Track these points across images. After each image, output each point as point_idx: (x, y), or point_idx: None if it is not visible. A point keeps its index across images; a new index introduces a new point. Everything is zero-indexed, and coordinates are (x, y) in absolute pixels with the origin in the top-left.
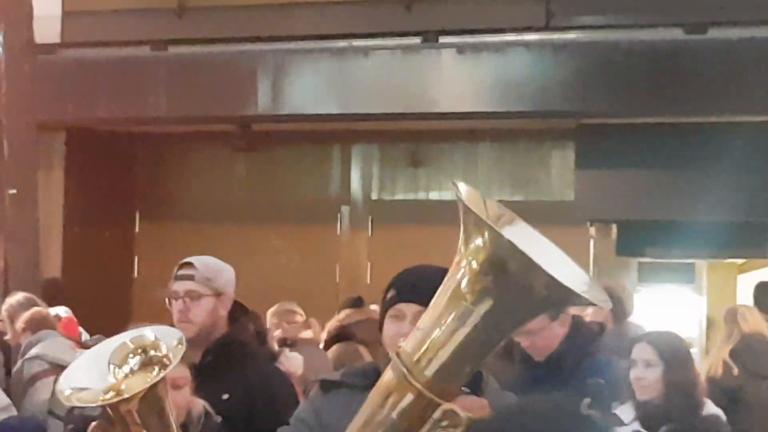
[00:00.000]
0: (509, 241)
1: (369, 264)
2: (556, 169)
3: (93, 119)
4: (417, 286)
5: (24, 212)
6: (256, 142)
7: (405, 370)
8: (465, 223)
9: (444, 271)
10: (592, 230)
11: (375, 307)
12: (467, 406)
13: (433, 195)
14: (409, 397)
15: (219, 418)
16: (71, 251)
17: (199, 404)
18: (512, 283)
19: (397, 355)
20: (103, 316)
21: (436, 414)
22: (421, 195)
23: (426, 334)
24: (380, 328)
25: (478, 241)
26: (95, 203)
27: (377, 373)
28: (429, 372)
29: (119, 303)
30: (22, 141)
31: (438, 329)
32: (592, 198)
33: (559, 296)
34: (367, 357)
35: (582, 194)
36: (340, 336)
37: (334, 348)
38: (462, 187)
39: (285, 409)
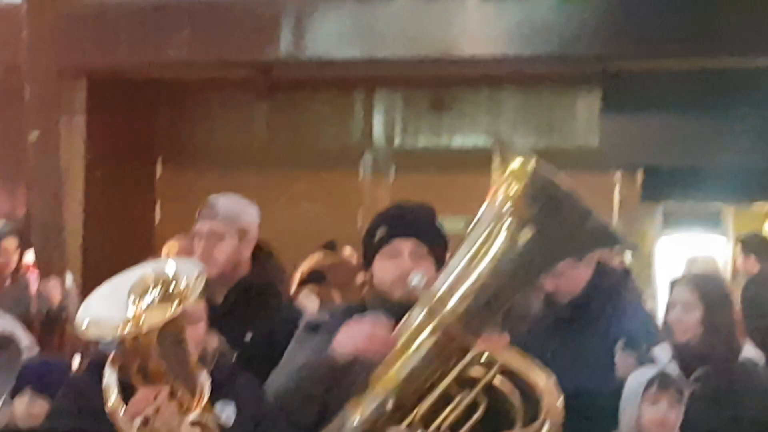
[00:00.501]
0: (550, 179)
1: None
2: (581, 114)
3: (114, 65)
4: (410, 222)
5: (45, 158)
6: (278, 88)
7: (434, 309)
8: (502, 157)
9: (427, 208)
10: (617, 176)
11: (348, 251)
12: (492, 343)
13: (457, 141)
14: (437, 337)
15: (234, 355)
16: (93, 197)
17: (214, 340)
18: (552, 220)
19: (424, 293)
20: (124, 261)
21: (469, 356)
22: (444, 141)
23: (456, 273)
24: (365, 268)
25: (518, 178)
26: (117, 149)
27: (364, 311)
28: (459, 310)
29: (141, 248)
30: (44, 86)
31: (469, 267)
32: (618, 144)
33: (598, 237)
34: (338, 300)
35: (607, 140)
36: (312, 279)
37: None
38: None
39: None
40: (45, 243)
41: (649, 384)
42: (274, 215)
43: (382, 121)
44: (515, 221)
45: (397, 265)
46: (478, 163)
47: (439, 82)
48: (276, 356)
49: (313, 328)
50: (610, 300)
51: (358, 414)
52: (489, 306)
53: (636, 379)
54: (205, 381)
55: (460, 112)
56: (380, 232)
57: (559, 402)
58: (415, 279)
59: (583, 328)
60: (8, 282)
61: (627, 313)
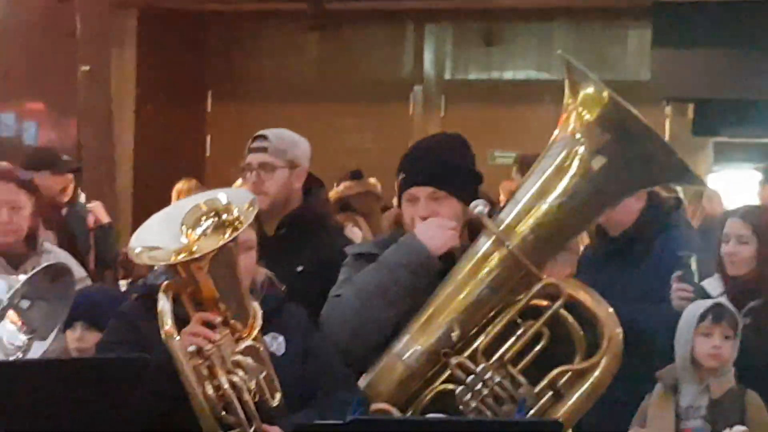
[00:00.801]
0: (627, 107)
1: None
2: (633, 47)
3: None
4: (425, 168)
5: (96, 90)
6: (329, 21)
7: (502, 236)
8: (573, 82)
9: (450, 144)
10: (669, 110)
11: (374, 180)
12: (555, 273)
13: (507, 75)
14: (505, 265)
15: (283, 287)
16: (143, 130)
17: (262, 272)
18: (625, 150)
19: (492, 221)
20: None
21: (537, 287)
22: (495, 74)
23: (524, 203)
24: (399, 204)
25: (592, 106)
26: (167, 82)
27: None
28: (526, 238)
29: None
30: (95, 19)
31: (538, 197)
32: (669, 77)
33: (671, 170)
34: (365, 228)
35: (658, 73)
36: (339, 207)
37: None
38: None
39: None
40: (96, 176)
41: (703, 316)
42: (324, 148)
43: (432, 54)
44: (588, 149)
45: (415, 210)
46: (529, 96)
47: (489, 15)
48: (327, 287)
49: (364, 257)
50: (661, 232)
51: (420, 343)
52: (557, 236)
53: (690, 312)
54: (257, 310)
55: (511, 46)
56: (400, 178)
57: (620, 334)
58: (478, 207)
59: (635, 260)
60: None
61: (679, 246)
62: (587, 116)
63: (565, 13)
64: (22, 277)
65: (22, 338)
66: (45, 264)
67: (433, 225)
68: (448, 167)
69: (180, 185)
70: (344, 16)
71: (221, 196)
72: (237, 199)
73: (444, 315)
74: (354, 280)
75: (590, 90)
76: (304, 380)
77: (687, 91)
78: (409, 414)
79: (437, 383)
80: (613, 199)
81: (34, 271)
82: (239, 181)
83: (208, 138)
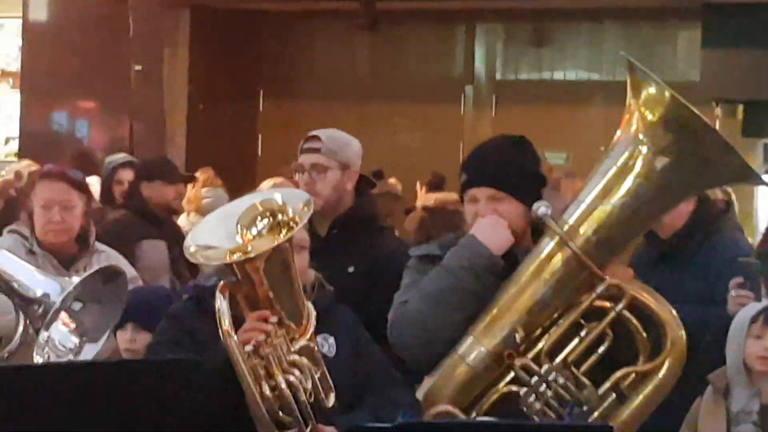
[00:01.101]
0: (690, 108)
1: None
2: (682, 48)
3: None
4: (486, 169)
5: (149, 89)
6: (381, 21)
7: (566, 237)
8: (635, 82)
9: (513, 145)
10: (718, 110)
11: (393, 180)
12: (618, 275)
13: (558, 75)
14: (568, 266)
15: (332, 288)
16: (195, 129)
17: (311, 274)
18: (689, 150)
19: (556, 222)
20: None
21: (600, 288)
22: (546, 75)
23: (587, 204)
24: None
25: (653, 99)
26: (219, 81)
27: None
28: (590, 239)
29: (243, 181)
30: (148, 18)
31: (601, 197)
32: (719, 77)
33: (734, 171)
34: None
35: (708, 74)
36: None
37: None
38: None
39: None
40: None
41: (754, 318)
42: (376, 148)
43: (483, 55)
44: (650, 150)
45: (475, 211)
46: (579, 96)
47: (540, 15)
48: (378, 288)
49: (428, 258)
50: (711, 235)
51: (483, 345)
52: (621, 237)
53: (742, 314)
54: (311, 310)
55: (561, 46)
56: (462, 179)
57: (683, 336)
58: (541, 209)
59: (685, 263)
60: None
61: (729, 248)
62: (650, 117)
63: (615, 14)
64: (75, 279)
65: (74, 340)
66: (98, 267)
67: (488, 224)
68: (508, 169)
69: (198, 174)
70: (395, 16)
71: (277, 196)
72: (292, 199)
73: (507, 317)
74: (419, 286)
75: (652, 90)
76: (354, 381)
77: (736, 92)
78: (473, 416)
79: (501, 385)
80: (676, 199)
81: (88, 273)
82: (269, 182)
83: (260, 137)
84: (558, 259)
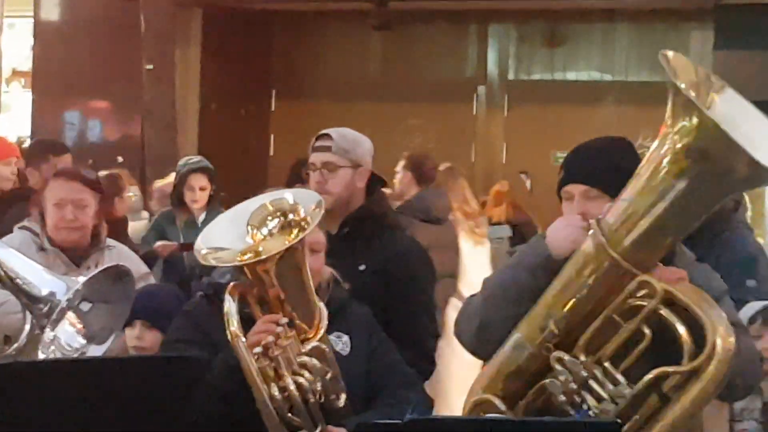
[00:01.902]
0: (717, 126)
1: (504, 144)
2: (695, 49)
3: None
4: (581, 166)
5: (161, 89)
6: (393, 21)
7: (604, 240)
8: (674, 100)
9: (617, 145)
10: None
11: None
12: (665, 277)
13: (570, 75)
14: (605, 266)
15: (348, 286)
16: (207, 129)
17: (327, 271)
18: (717, 165)
19: (597, 224)
20: (238, 194)
21: (632, 285)
22: (558, 75)
23: (626, 205)
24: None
25: (686, 122)
26: (232, 81)
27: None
28: (627, 242)
29: (255, 181)
30: (159, 18)
31: (639, 201)
32: (731, 79)
33: (761, 176)
34: None
35: (721, 75)
36: None
37: None
38: (671, 55)
39: (422, 281)
40: (159, 175)
41: (753, 319)
42: (388, 148)
43: (495, 55)
44: (681, 168)
45: (570, 208)
46: (591, 97)
47: (552, 16)
48: (389, 286)
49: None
50: (720, 233)
51: (527, 339)
52: (657, 238)
53: (741, 315)
54: (323, 311)
55: (574, 46)
56: (561, 176)
57: (729, 338)
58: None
59: (708, 261)
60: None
61: (738, 247)
62: (682, 141)
63: (628, 15)
64: (81, 279)
65: (80, 341)
66: (105, 266)
67: (560, 225)
68: (605, 167)
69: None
70: (408, 16)
71: (288, 195)
72: (304, 199)
73: (549, 313)
74: (485, 280)
75: (688, 122)
76: (368, 379)
77: (749, 93)
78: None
79: (546, 379)
80: (709, 206)
81: (93, 273)
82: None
83: (272, 137)
84: (596, 259)
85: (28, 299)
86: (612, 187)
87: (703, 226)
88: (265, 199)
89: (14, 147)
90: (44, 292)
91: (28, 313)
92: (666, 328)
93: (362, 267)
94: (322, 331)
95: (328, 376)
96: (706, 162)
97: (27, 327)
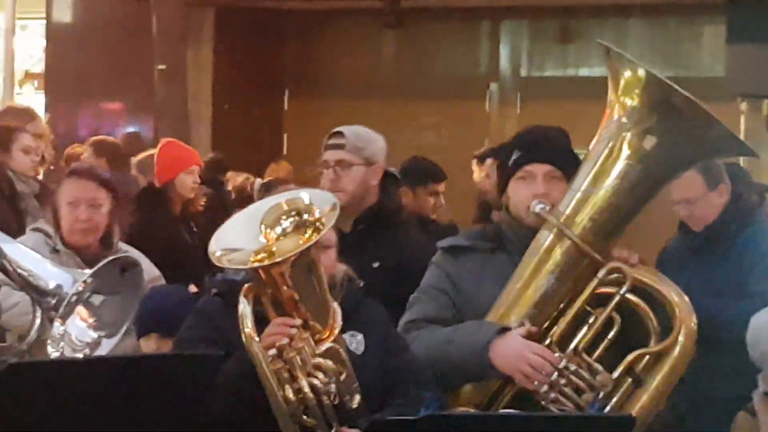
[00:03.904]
0: (668, 82)
1: None
2: (707, 44)
3: None
4: (546, 146)
5: (173, 88)
6: (406, 18)
7: (563, 227)
8: (613, 71)
9: (561, 131)
10: (743, 106)
11: None
12: (624, 259)
13: (583, 71)
14: (569, 256)
15: (362, 283)
16: (220, 128)
17: (341, 269)
18: (672, 127)
19: (552, 213)
20: None
21: (602, 273)
22: (571, 71)
23: (580, 192)
24: (501, 190)
25: (631, 85)
26: (244, 80)
27: (500, 236)
28: (586, 227)
29: None
30: (171, 17)
31: (593, 185)
32: (744, 73)
33: (720, 143)
34: None
35: (733, 69)
36: None
37: None
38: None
39: None
40: None
41: None
42: (401, 145)
43: (508, 52)
44: (636, 133)
45: (532, 188)
46: (604, 93)
47: (565, 12)
48: (403, 283)
49: (452, 250)
50: (744, 228)
51: None
52: (616, 220)
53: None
54: (337, 311)
55: (587, 42)
56: (514, 156)
57: (691, 316)
58: (539, 206)
59: (717, 255)
60: None
61: (762, 241)
62: (629, 102)
63: (640, 10)
64: (88, 271)
65: (92, 335)
66: (111, 257)
67: (519, 349)
68: (568, 150)
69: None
70: (420, 14)
71: (304, 195)
72: (319, 200)
73: (515, 313)
74: (424, 337)
75: (628, 73)
76: (383, 378)
77: (762, 87)
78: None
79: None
80: (667, 177)
81: (101, 264)
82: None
83: (285, 136)
84: (558, 250)
85: (36, 293)
86: (572, 172)
87: (727, 220)
88: (280, 198)
89: (196, 155)
90: (51, 285)
91: (36, 307)
92: (627, 310)
93: (376, 264)
94: (336, 332)
95: (342, 377)
96: (659, 115)
97: (37, 321)
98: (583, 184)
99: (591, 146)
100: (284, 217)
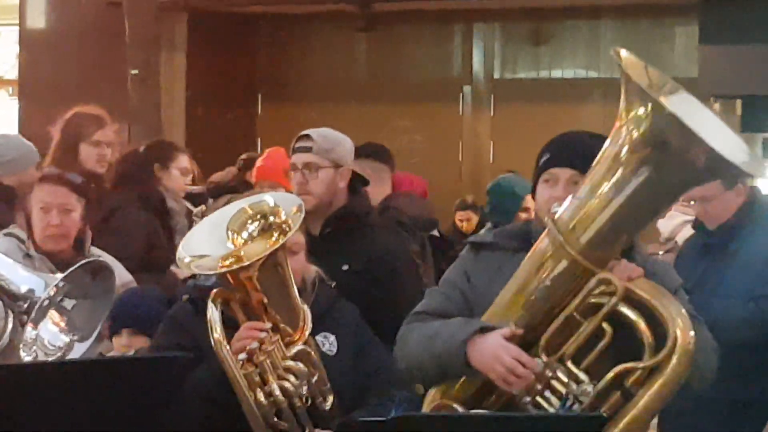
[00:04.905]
0: (672, 114)
1: (491, 143)
2: (680, 45)
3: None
4: (572, 151)
5: (146, 93)
6: (377, 22)
7: (561, 238)
8: (627, 91)
9: (600, 139)
10: (716, 106)
11: None
12: (623, 273)
13: (556, 73)
14: (563, 264)
15: (333, 284)
16: (194, 133)
17: (313, 270)
18: (673, 154)
19: (553, 222)
20: None
21: (591, 282)
22: (544, 73)
23: (583, 202)
24: (533, 193)
25: (640, 111)
26: (217, 85)
27: (528, 236)
28: (584, 239)
29: None
30: (144, 22)
31: (595, 197)
32: (716, 73)
33: (719, 167)
34: None
35: (706, 70)
36: None
37: None
38: (623, 53)
39: (405, 280)
40: None
41: None
42: None
43: (481, 54)
44: (636, 160)
45: (553, 191)
46: (578, 94)
47: (537, 14)
48: (373, 285)
49: (475, 246)
50: (758, 228)
51: None
52: (614, 235)
53: None
54: (307, 313)
55: (559, 44)
56: (543, 159)
57: (688, 331)
58: (559, 209)
59: (730, 254)
60: None
61: None
62: (636, 132)
63: (613, 11)
64: (59, 275)
65: (64, 339)
66: (83, 261)
67: (496, 348)
68: (593, 156)
69: None
70: (392, 17)
71: (268, 198)
72: (284, 202)
73: (507, 315)
74: (416, 328)
75: (642, 110)
76: (356, 379)
77: (734, 87)
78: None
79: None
80: (666, 201)
81: (72, 268)
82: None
83: (259, 141)
84: (555, 257)
85: (8, 297)
86: None
87: (742, 220)
88: (243, 203)
89: None
90: (23, 289)
91: (8, 312)
92: (625, 324)
93: (345, 267)
94: (306, 334)
95: (314, 379)
96: (660, 150)
97: (9, 326)
98: (587, 192)
99: (599, 155)
100: (250, 221)
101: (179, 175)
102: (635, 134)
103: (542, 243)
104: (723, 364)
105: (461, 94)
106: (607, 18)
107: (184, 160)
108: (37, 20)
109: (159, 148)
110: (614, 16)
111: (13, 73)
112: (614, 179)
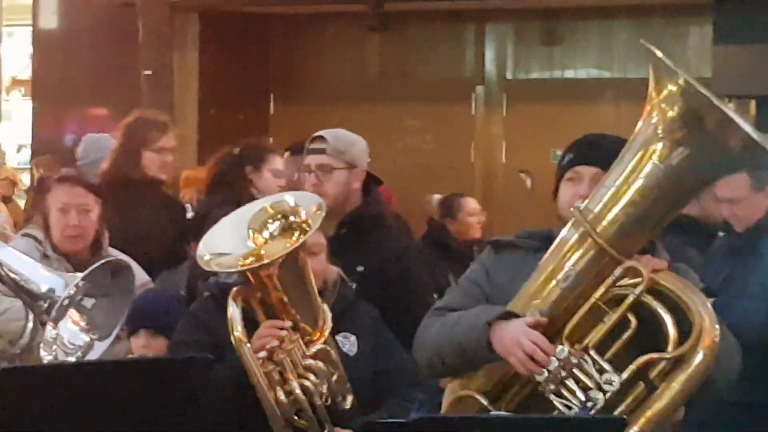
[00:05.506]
0: (706, 95)
1: (504, 143)
2: (694, 44)
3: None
4: (596, 149)
5: (159, 93)
6: (390, 22)
7: (588, 226)
8: (655, 69)
9: (623, 141)
10: (731, 107)
11: None
12: (647, 263)
13: (569, 73)
14: (590, 254)
15: (354, 285)
16: (207, 133)
17: (334, 271)
18: (706, 136)
19: (579, 211)
20: None
21: (617, 271)
22: (557, 73)
23: (610, 191)
24: (555, 192)
25: (673, 89)
26: (230, 85)
27: (550, 238)
28: (611, 228)
29: None
30: (157, 23)
31: (623, 184)
32: (730, 74)
33: (752, 152)
34: None
35: (720, 70)
36: None
37: None
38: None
39: (419, 281)
40: None
41: None
42: (387, 149)
43: (493, 54)
44: (669, 143)
45: (577, 189)
46: (590, 94)
47: (550, 14)
48: (387, 286)
49: (496, 245)
50: None
51: None
52: (641, 225)
53: None
54: (327, 312)
55: (572, 44)
56: (567, 158)
57: (713, 324)
58: (582, 205)
59: (757, 256)
60: None
61: None
62: (669, 112)
63: (626, 11)
64: (79, 275)
65: (84, 338)
66: (102, 260)
67: (519, 334)
68: (617, 156)
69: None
70: (404, 17)
71: (288, 198)
72: (304, 202)
73: (534, 305)
74: (436, 321)
75: (672, 87)
76: (376, 380)
77: (749, 87)
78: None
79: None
80: (696, 188)
81: (92, 267)
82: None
83: (271, 140)
84: (582, 247)
85: (29, 296)
86: None
87: None
88: (265, 202)
89: None
90: (44, 288)
91: (29, 312)
92: (649, 316)
93: (360, 268)
94: (326, 333)
95: (334, 378)
96: (693, 131)
97: (30, 325)
98: (614, 181)
99: (627, 143)
100: (270, 220)
101: (271, 177)
102: (669, 114)
103: (567, 233)
104: (744, 367)
105: (473, 94)
106: (620, 18)
107: (276, 162)
108: (50, 21)
109: (252, 149)
110: (627, 16)
111: (26, 74)
112: (644, 163)
